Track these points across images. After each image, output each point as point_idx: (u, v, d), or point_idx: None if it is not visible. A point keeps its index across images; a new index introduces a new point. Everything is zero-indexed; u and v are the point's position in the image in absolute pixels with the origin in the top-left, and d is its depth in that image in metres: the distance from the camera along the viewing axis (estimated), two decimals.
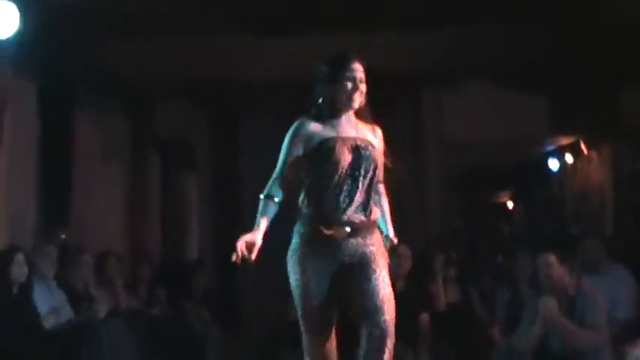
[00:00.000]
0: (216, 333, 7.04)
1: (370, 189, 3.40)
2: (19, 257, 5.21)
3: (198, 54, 7.04)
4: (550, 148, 10.23)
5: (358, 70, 3.45)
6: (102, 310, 5.89)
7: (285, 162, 3.47)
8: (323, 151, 3.37)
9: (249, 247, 3.33)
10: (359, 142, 3.40)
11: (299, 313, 3.44)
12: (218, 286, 8.23)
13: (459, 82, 8.06)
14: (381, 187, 3.57)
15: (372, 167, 3.39)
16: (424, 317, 6.10)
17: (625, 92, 8.04)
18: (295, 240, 3.43)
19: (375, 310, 3.29)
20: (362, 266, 3.36)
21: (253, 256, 3.33)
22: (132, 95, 7.98)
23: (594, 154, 9.51)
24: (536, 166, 10.84)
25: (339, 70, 3.45)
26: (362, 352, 3.31)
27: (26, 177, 6.42)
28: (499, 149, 9.80)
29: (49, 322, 5.23)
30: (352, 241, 3.36)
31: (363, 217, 3.38)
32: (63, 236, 6.49)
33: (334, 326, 3.47)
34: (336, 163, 3.34)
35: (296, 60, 7.12)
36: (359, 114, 3.51)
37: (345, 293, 3.37)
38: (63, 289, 5.69)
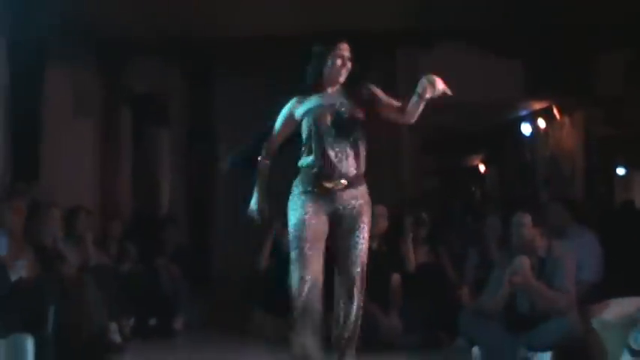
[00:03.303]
0: (186, 289, 7.05)
1: (357, 144, 3.97)
2: None
3: (171, 8, 6.95)
4: (523, 112, 10.27)
5: (345, 49, 4.02)
6: (71, 265, 5.86)
7: (276, 133, 4.14)
8: (309, 119, 3.98)
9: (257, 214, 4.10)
10: (339, 108, 3.98)
11: (296, 245, 3.93)
12: (189, 242, 8.22)
13: (434, 43, 8.04)
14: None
15: (353, 126, 3.97)
16: (395, 277, 6.15)
17: (598, 58, 8.07)
18: (298, 189, 4.01)
19: (351, 263, 3.95)
20: (351, 220, 3.97)
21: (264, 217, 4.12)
22: (104, 49, 7.88)
23: (567, 120, 9.56)
24: (510, 130, 10.89)
25: (329, 49, 4.02)
26: (336, 296, 3.98)
27: None
28: (473, 112, 9.82)
29: (16, 278, 5.18)
30: (347, 192, 3.96)
31: (354, 171, 3.96)
32: (32, 191, 6.42)
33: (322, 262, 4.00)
34: (321, 127, 3.94)
35: (270, 15, 7.08)
36: (347, 85, 4.07)
37: (334, 237, 4.00)
38: (31, 244, 5.63)
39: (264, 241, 6.94)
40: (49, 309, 4.99)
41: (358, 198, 3.99)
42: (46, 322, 4.96)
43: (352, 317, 3.95)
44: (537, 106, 9.80)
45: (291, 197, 4.04)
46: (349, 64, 4.03)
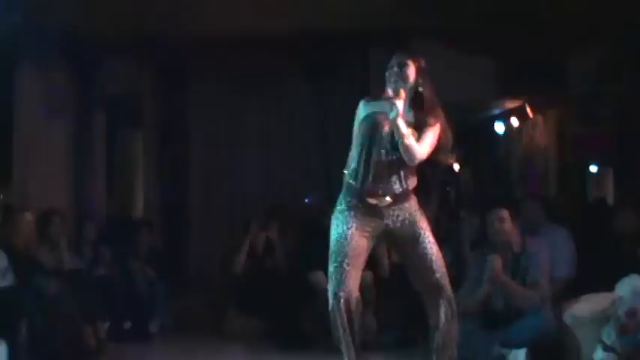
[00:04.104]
0: (162, 292, 7.02)
1: (402, 163, 3.78)
2: None
3: (144, 8, 6.92)
4: (496, 111, 10.32)
5: (396, 60, 3.91)
6: (45, 269, 5.81)
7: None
8: (364, 126, 3.85)
9: None
10: (389, 122, 3.77)
11: (334, 259, 3.78)
12: (164, 244, 8.19)
13: (408, 42, 8.06)
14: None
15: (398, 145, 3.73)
16: (368, 276, 6.15)
17: (570, 56, 8.13)
18: (342, 205, 3.85)
19: (430, 271, 3.83)
20: (407, 230, 3.83)
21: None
22: (77, 51, 7.83)
23: (539, 118, 9.62)
24: (483, 128, 10.94)
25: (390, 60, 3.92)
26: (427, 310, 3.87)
27: None
28: (447, 111, 9.85)
29: None
30: (394, 207, 3.80)
31: (401, 188, 3.80)
32: (1, 195, 6.37)
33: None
34: (373, 137, 3.79)
35: (244, 15, 7.07)
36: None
37: (399, 255, 3.97)
38: (4, 249, 5.58)
39: (241, 242, 6.94)
40: (23, 314, 4.96)
41: (406, 212, 3.84)
42: (20, 328, 4.93)
43: (449, 326, 3.86)
44: (510, 104, 9.86)
45: (334, 212, 3.89)
46: (399, 74, 3.88)
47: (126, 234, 7.40)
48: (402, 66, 3.91)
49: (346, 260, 3.77)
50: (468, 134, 11.69)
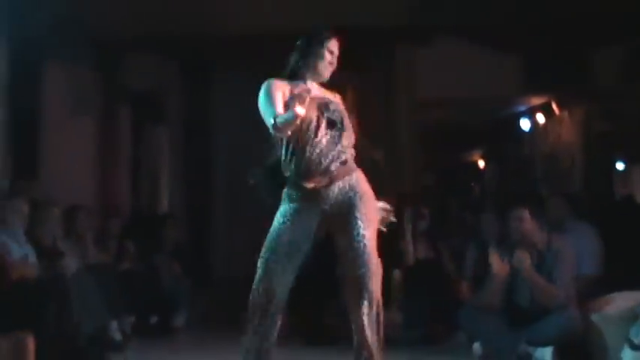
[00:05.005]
0: (186, 286, 7.05)
1: (342, 138, 3.63)
2: None
3: (168, 5, 6.96)
4: (522, 107, 10.28)
5: (336, 45, 3.73)
6: (71, 264, 5.85)
7: (274, 105, 3.62)
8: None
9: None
10: (326, 100, 3.69)
11: (263, 253, 3.61)
12: (189, 239, 8.22)
13: (433, 39, 8.05)
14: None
15: (339, 120, 3.65)
16: (396, 273, 6.16)
17: (596, 53, 8.08)
18: (283, 201, 3.66)
19: (354, 264, 3.54)
20: (342, 214, 3.58)
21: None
22: (102, 48, 7.88)
23: (565, 115, 9.57)
24: (508, 125, 10.89)
25: (318, 45, 3.72)
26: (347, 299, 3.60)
27: None
28: (472, 107, 9.83)
29: (18, 274, 5.18)
30: (332, 188, 3.59)
31: (339, 165, 3.60)
32: (31, 190, 6.41)
33: (290, 285, 3.66)
34: (307, 119, 3.54)
35: (268, 11, 7.09)
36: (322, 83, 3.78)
37: (333, 239, 3.64)
38: (32, 244, 5.62)
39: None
40: (49, 308, 4.99)
41: (347, 191, 3.59)
42: (46, 321, 4.96)
43: (365, 328, 3.52)
44: (536, 101, 9.81)
45: (278, 211, 3.68)
46: (332, 62, 3.74)
47: (151, 229, 7.44)
48: (334, 52, 3.74)
49: (273, 256, 3.59)
50: (493, 131, 11.67)
